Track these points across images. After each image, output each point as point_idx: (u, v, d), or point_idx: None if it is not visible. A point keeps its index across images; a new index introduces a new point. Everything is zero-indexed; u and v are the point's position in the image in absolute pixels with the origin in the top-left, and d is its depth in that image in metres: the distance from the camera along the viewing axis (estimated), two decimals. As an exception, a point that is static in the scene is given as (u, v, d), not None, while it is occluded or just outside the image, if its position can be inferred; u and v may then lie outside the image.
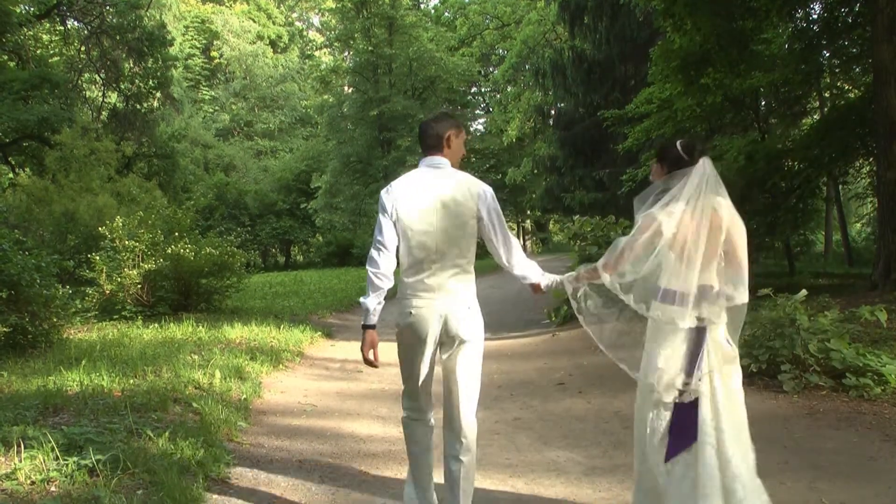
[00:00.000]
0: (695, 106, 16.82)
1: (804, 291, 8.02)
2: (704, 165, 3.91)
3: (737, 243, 3.90)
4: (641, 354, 4.12)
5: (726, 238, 3.87)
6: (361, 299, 4.23)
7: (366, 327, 4.29)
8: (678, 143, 4.06)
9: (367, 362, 4.37)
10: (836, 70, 17.43)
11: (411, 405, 4.42)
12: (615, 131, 25.01)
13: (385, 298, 4.24)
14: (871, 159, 16.88)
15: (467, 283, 4.23)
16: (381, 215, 4.17)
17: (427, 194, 4.14)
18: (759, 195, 16.31)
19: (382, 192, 4.23)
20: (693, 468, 3.76)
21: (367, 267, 4.18)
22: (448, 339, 4.17)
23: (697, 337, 3.86)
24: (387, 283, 4.18)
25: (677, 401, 3.86)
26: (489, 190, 4.23)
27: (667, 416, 3.89)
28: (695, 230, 3.81)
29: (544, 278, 4.47)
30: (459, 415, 4.23)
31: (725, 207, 3.90)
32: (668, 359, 3.89)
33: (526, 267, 4.38)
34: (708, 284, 3.88)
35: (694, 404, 3.81)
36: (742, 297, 3.91)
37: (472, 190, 4.17)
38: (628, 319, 4.29)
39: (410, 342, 4.23)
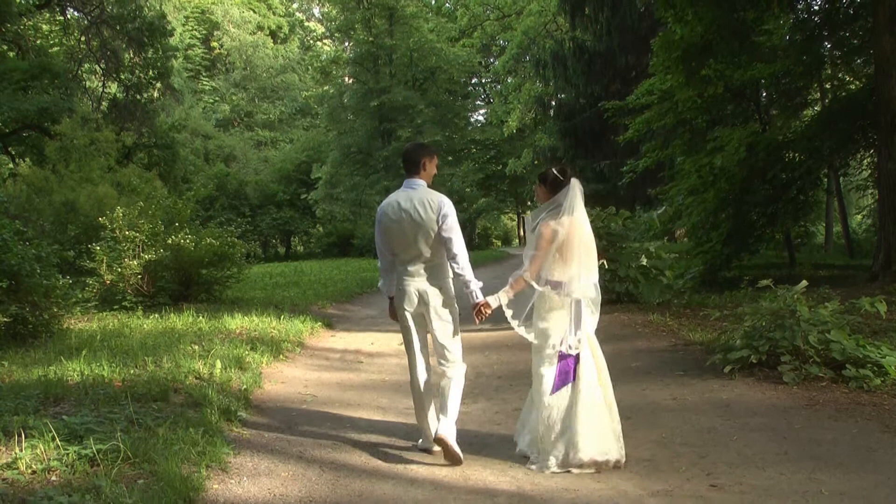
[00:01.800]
0: (696, 97, 16.83)
1: (804, 283, 8.03)
2: (576, 183, 5.63)
3: (593, 246, 5.71)
4: (535, 326, 5.72)
5: (591, 246, 5.67)
6: (380, 284, 6.15)
7: (390, 298, 6.08)
8: (553, 169, 5.76)
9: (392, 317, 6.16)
10: (838, 61, 17.38)
11: (413, 365, 5.97)
12: (616, 122, 25.02)
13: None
14: (871, 151, 16.88)
15: (437, 270, 5.80)
16: (376, 226, 5.92)
17: (399, 209, 5.70)
18: (759, 186, 16.30)
19: (378, 209, 5.91)
20: (573, 394, 5.46)
21: (378, 262, 6.05)
22: (425, 308, 5.80)
23: (576, 311, 5.60)
24: (391, 270, 5.95)
25: (562, 353, 5.52)
26: (449, 204, 5.74)
27: (555, 367, 5.54)
28: (574, 236, 5.55)
29: (483, 297, 5.74)
30: (442, 346, 5.83)
31: (587, 221, 5.72)
32: (554, 328, 5.59)
33: (466, 278, 5.72)
34: (580, 274, 5.60)
35: (576, 358, 5.51)
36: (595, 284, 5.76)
37: (436, 206, 5.66)
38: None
39: (400, 305, 5.89)
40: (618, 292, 13.71)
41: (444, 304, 5.81)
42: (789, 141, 16.52)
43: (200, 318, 12.27)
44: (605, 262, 13.63)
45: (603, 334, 11.10)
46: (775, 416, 6.31)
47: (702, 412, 6.66)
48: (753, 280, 9.19)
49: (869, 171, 21.02)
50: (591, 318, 5.75)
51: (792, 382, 7.16)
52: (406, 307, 5.83)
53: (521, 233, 72.26)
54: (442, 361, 5.86)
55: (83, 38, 31.63)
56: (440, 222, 5.61)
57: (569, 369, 5.50)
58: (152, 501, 4.44)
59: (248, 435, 6.41)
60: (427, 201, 5.65)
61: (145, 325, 11.73)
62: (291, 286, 21.31)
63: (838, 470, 5.00)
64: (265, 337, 10.93)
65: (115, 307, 13.79)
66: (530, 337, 5.73)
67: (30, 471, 4.80)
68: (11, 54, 30.05)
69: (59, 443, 5.13)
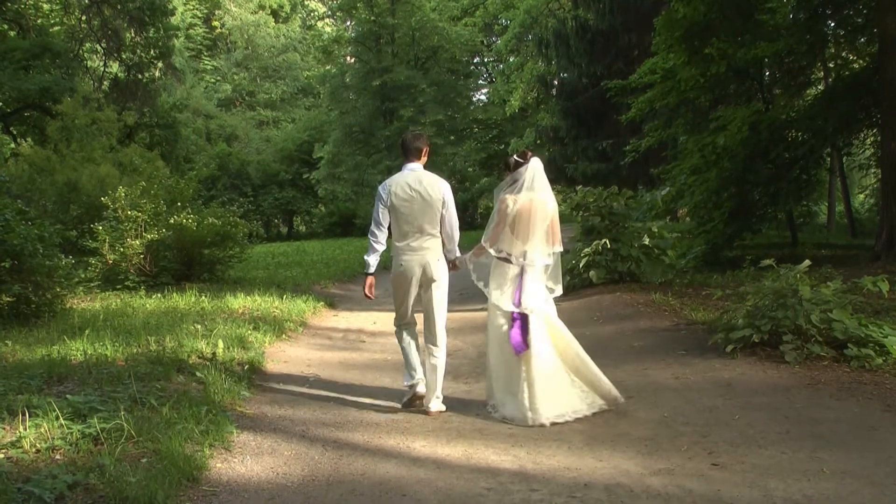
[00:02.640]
0: (698, 76, 16.77)
1: (807, 262, 8.01)
2: (535, 162, 6.43)
3: (557, 230, 6.54)
4: (490, 289, 6.54)
5: (551, 224, 6.45)
6: (365, 256, 6.70)
7: (367, 274, 6.72)
8: (515, 155, 6.64)
9: (367, 296, 6.79)
10: (841, 40, 17.31)
11: (401, 321, 6.79)
12: (618, 102, 24.95)
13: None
14: (875, 130, 16.83)
15: (436, 245, 6.53)
16: (378, 203, 6.52)
17: (410, 189, 6.42)
18: (762, 166, 16.26)
19: (380, 188, 6.55)
20: (527, 359, 6.14)
21: (369, 237, 6.62)
22: (426, 280, 6.52)
23: (520, 278, 6.37)
24: (381, 248, 6.62)
25: (514, 314, 6.28)
26: (448, 186, 6.58)
27: (505, 323, 6.33)
28: (534, 213, 6.31)
29: (458, 258, 6.74)
30: (435, 328, 6.61)
31: (551, 202, 6.47)
32: (504, 290, 6.42)
33: (453, 249, 6.69)
34: (527, 250, 6.37)
35: (525, 317, 6.23)
36: (551, 259, 6.54)
37: (439, 186, 6.48)
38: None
39: (401, 283, 6.58)
40: (620, 272, 13.68)
41: (441, 276, 6.56)
42: (792, 120, 16.47)
43: (203, 297, 12.28)
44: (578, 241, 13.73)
45: (605, 314, 11.19)
46: (777, 396, 6.32)
47: (703, 391, 6.67)
48: (756, 259, 9.17)
49: (872, 151, 21.00)
50: (539, 287, 6.45)
51: (794, 362, 7.16)
52: (404, 282, 6.54)
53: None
54: (431, 346, 6.62)
55: (84, 18, 31.51)
56: (444, 204, 6.45)
57: (524, 336, 6.20)
58: (156, 480, 4.46)
59: (251, 414, 6.43)
60: (433, 184, 6.46)
61: (148, 305, 11.75)
62: (294, 266, 21.31)
63: (840, 449, 5.02)
64: (268, 316, 10.95)
65: (118, 287, 13.80)
66: (486, 292, 6.62)
67: (34, 449, 4.82)
68: (12, 34, 29.98)
69: (62, 422, 5.14)
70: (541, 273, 6.47)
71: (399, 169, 6.64)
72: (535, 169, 6.35)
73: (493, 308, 6.48)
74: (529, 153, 6.53)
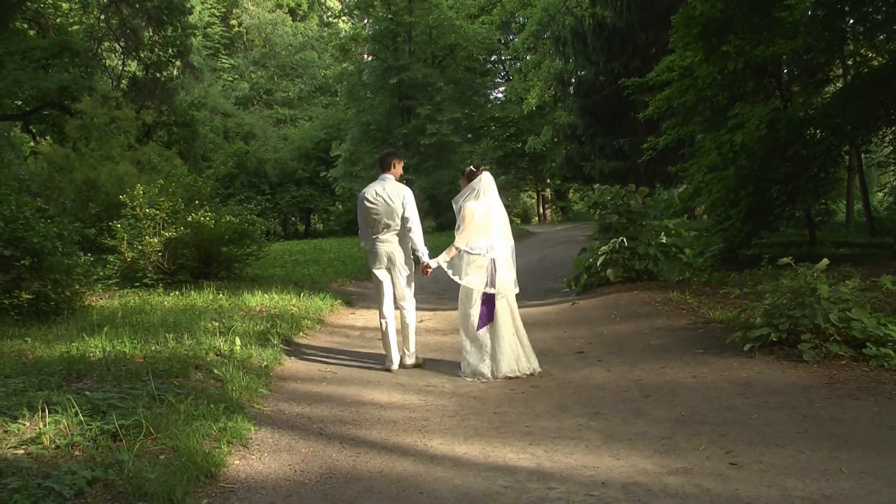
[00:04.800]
0: (716, 73, 16.68)
1: (825, 261, 7.98)
2: (486, 175, 8.15)
3: (507, 225, 8.20)
4: (465, 279, 8.04)
5: (503, 222, 8.11)
6: (361, 243, 8.82)
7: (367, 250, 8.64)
8: (472, 165, 8.38)
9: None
10: (860, 37, 17.18)
11: (380, 300, 8.59)
12: (636, 100, 24.88)
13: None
14: (893, 127, 16.73)
15: (400, 238, 8.35)
16: (358, 207, 8.56)
17: (378, 196, 8.29)
18: (780, 163, 16.19)
19: (360, 195, 8.54)
20: (493, 328, 7.88)
21: (359, 233, 8.78)
22: (391, 265, 8.42)
23: (491, 266, 7.96)
24: (368, 237, 8.47)
25: (484, 294, 7.93)
26: (409, 192, 8.39)
27: (478, 305, 7.95)
28: (486, 215, 7.99)
29: (429, 259, 8.25)
30: (401, 291, 8.49)
31: (501, 205, 8.21)
32: (478, 276, 7.97)
33: (418, 246, 8.32)
34: (494, 241, 8.00)
35: (492, 298, 7.91)
36: (509, 249, 8.14)
37: (400, 192, 8.29)
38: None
39: (373, 264, 8.49)
40: (637, 270, 13.66)
41: (405, 262, 8.46)
42: (810, 118, 16.36)
43: (221, 295, 12.31)
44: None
45: (623, 312, 11.19)
46: (795, 395, 6.30)
47: (721, 390, 6.65)
48: (774, 258, 9.14)
49: (891, 149, 20.86)
50: (507, 272, 8.06)
51: (812, 361, 7.13)
52: (378, 265, 8.46)
53: (541, 210, 72.01)
54: (401, 303, 8.53)
55: (103, 17, 31.66)
56: (404, 206, 8.23)
57: (489, 312, 7.93)
58: (174, 476, 4.48)
59: (269, 411, 6.45)
60: (395, 191, 8.31)
61: (166, 303, 11.79)
62: (311, 264, 21.35)
63: (858, 448, 5.00)
64: (285, 314, 10.96)
65: (136, 284, 13.85)
66: (463, 282, 8.06)
67: (53, 446, 4.84)
68: (32, 33, 30.16)
69: (82, 418, 5.17)
70: (509, 261, 8.11)
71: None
72: (486, 181, 8.10)
73: (464, 292, 8.10)
74: (482, 167, 8.33)
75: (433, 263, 8.17)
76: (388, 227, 8.28)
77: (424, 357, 8.92)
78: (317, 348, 9.61)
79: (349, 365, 8.69)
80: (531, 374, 7.86)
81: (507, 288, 7.98)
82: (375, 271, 8.50)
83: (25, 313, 9.95)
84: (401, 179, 8.78)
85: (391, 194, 8.25)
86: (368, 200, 8.30)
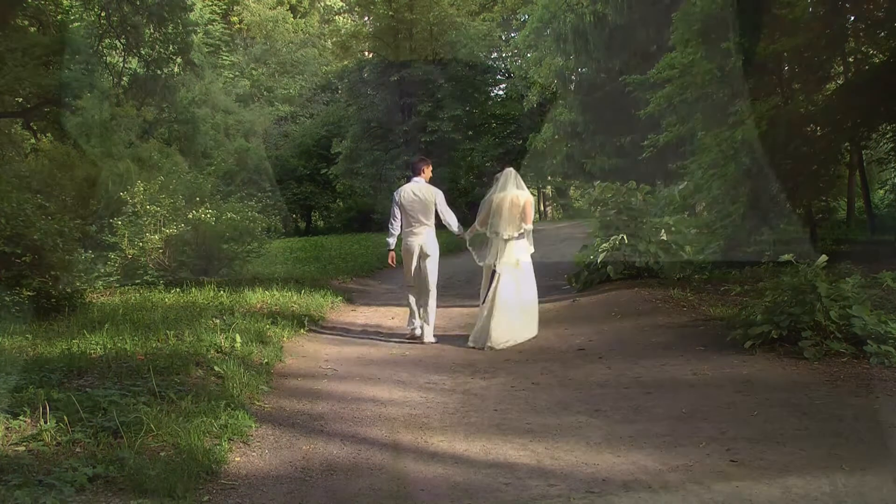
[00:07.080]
0: (716, 70, 16.66)
1: (825, 257, 7.97)
2: (507, 170, 9.88)
3: (528, 213, 9.66)
4: (484, 253, 9.85)
5: (523, 210, 9.54)
6: (386, 238, 10.08)
7: (389, 250, 10.14)
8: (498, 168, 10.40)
9: (389, 265, 10.61)
10: (861, 34, 17.16)
11: (410, 286, 10.15)
12: (637, 97, 24.82)
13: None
14: (894, 124, 16.69)
15: (431, 231, 9.90)
16: (394, 204, 9.95)
17: (416, 195, 9.82)
18: (780, 161, 16.17)
19: (395, 193, 10.11)
20: (493, 302, 9.28)
21: (389, 226, 10.04)
22: (423, 254, 9.81)
23: (500, 245, 9.49)
24: (396, 233, 9.94)
25: (494, 270, 9.45)
26: (440, 192, 9.98)
27: (486, 280, 9.54)
28: (505, 205, 9.50)
29: (462, 231, 10.23)
30: (428, 285, 9.86)
31: (524, 196, 9.67)
32: (493, 254, 9.55)
33: (454, 227, 10.13)
34: (499, 229, 9.54)
35: (497, 278, 9.34)
36: (522, 231, 9.61)
37: (433, 192, 9.85)
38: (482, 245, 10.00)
39: (407, 254, 9.91)
40: (638, 267, 13.65)
41: (433, 252, 9.89)
42: (811, 114, 16.32)
43: (221, 292, 12.32)
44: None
45: (623, 309, 11.20)
46: (796, 392, 6.30)
47: (722, 387, 6.66)
48: (774, 255, 9.12)
49: (891, 145, 20.81)
50: (520, 251, 9.62)
51: (813, 358, 7.13)
52: (411, 253, 9.86)
53: (542, 207, 71.90)
54: (425, 296, 9.92)
55: (103, 14, 31.54)
56: (437, 203, 9.86)
57: (490, 286, 9.46)
58: (175, 473, 4.49)
59: (270, 408, 6.46)
60: (428, 191, 9.88)
61: (167, 300, 11.80)
62: (312, 261, 21.32)
63: (859, 446, 5.00)
64: (286, 311, 10.99)
65: (137, 281, 13.83)
66: (478, 260, 10.11)
67: (55, 442, 4.86)
68: (33, 29, 30.06)
69: (83, 415, 5.19)
70: (521, 242, 9.64)
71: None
72: (506, 175, 9.79)
73: (486, 269, 9.77)
74: (506, 167, 10.15)
75: (466, 236, 10.23)
76: (420, 222, 9.79)
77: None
78: (317, 345, 9.62)
79: (350, 361, 8.69)
80: (530, 339, 9.50)
81: (510, 263, 9.49)
82: (406, 259, 9.95)
83: (26, 310, 9.94)
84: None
85: (426, 193, 9.83)
86: (406, 199, 9.83)
